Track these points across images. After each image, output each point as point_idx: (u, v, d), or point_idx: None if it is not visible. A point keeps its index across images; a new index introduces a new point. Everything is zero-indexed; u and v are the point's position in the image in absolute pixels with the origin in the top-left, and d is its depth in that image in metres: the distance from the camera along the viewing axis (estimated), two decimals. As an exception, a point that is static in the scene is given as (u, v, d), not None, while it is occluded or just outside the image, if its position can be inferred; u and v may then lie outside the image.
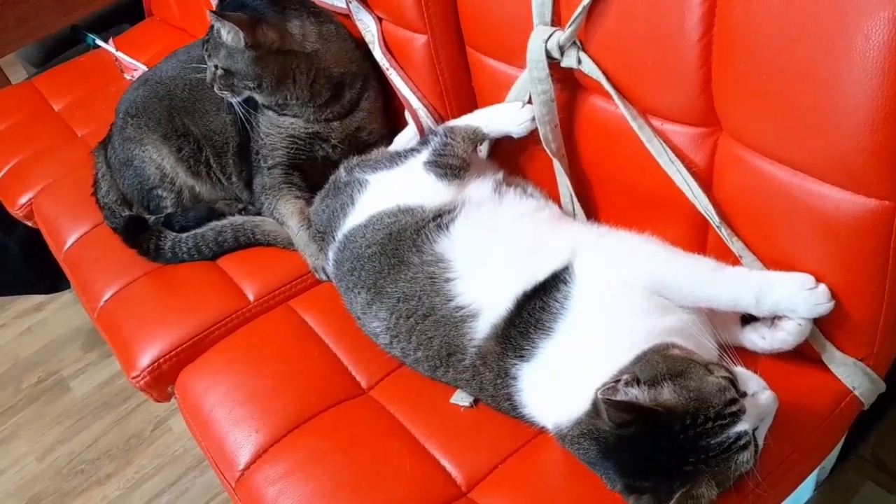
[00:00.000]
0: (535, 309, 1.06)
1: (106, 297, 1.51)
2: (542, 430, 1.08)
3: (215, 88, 1.43)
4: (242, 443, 1.18)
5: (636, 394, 0.90)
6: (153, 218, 1.57)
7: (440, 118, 1.46)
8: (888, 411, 1.47)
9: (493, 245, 1.16)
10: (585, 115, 1.21)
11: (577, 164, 1.27)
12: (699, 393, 0.90)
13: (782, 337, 1.01)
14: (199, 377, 1.30)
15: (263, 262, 1.48)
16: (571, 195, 1.27)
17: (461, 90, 1.44)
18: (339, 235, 1.30)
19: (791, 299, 0.98)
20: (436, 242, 1.17)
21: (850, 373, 1.02)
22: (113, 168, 1.66)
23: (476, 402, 1.14)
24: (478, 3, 1.28)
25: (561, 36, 1.13)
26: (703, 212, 1.07)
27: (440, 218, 1.20)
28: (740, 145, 1.01)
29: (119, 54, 2.28)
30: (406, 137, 1.48)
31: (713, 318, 1.05)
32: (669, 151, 1.08)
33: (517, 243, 1.16)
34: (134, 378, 1.36)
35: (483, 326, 1.09)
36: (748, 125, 0.99)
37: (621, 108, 1.10)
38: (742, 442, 0.89)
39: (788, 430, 0.99)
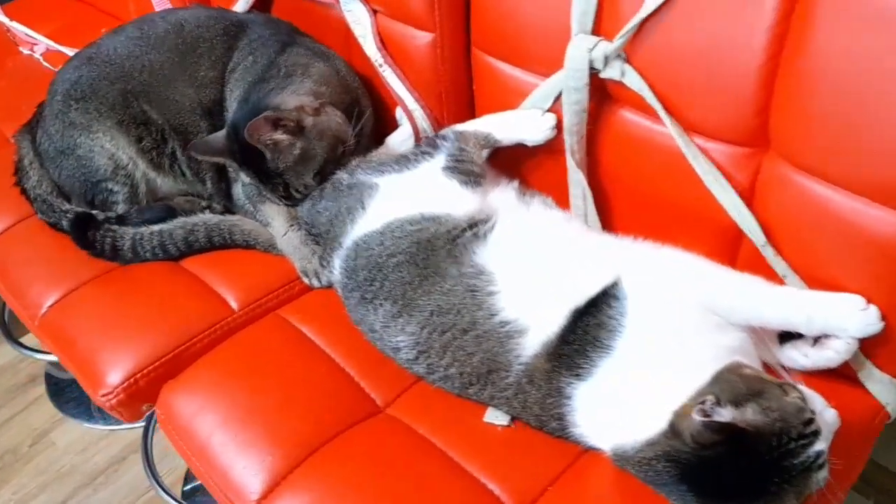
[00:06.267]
0: (589, 326, 1.03)
1: (48, 303, 1.33)
2: (586, 450, 1.06)
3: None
4: (254, 470, 1.07)
5: (726, 414, 0.90)
6: (102, 216, 1.40)
7: (435, 120, 1.40)
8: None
9: (534, 257, 1.12)
10: (613, 127, 1.20)
11: (594, 175, 1.25)
12: (781, 413, 0.91)
13: (829, 356, 1.04)
14: (189, 395, 1.17)
15: (240, 266, 1.36)
16: (587, 206, 1.25)
17: (460, 93, 1.39)
18: (348, 241, 1.22)
19: (844, 320, 1.01)
20: (475, 253, 1.12)
21: (884, 389, 1.07)
22: (45, 156, 1.46)
23: (513, 420, 1.10)
24: (500, 5, 1.23)
25: (608, 47, 1.11)
26: (747, 231, 1.09)
27: (476, 227, 1.14)
28: (792, 167, 1.03)
29: (14, 25, 2.02)
30: (400, 138, 1.41)
31: (752, 335, 1.07)
32: (716, 170, 1.09)
33: (559, 256, 1.12)
34: (104, 396, 1.20)
35: (532, 343, 1.05)
36: (808, 149, 1.01)
37: (667, 125, 1.10)
38: (820, 461, 0.91)
39: (835, 444, 1.02)
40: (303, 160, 1.27)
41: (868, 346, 1.06)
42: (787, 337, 1.10)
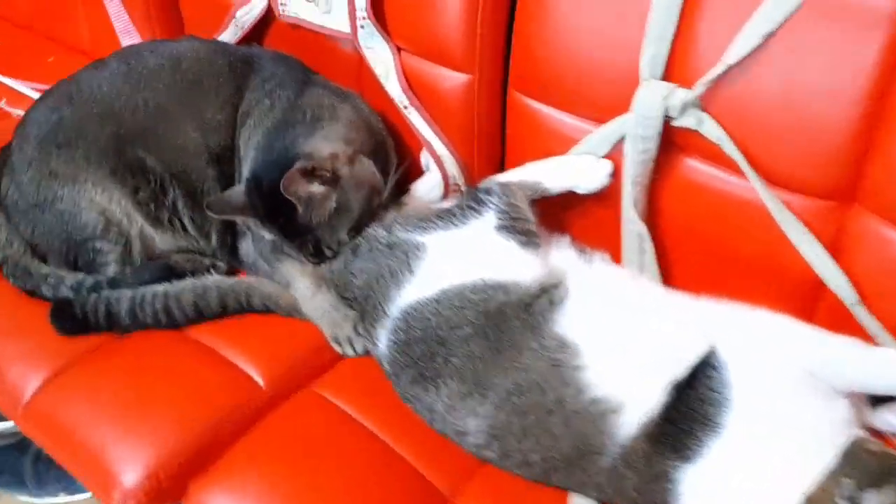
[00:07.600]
0: (692, 400, 0.95)
1: (32, 388, 1.14)
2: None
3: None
4: (320, 581, 0.94)
5: (871, 500, 0.83)
6: (90, 280, 1.21)
7: (466, 166, 1.30)
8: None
9: (618, 324, 1.03)
10: (678, 177, 1.13)
11: (652, 227, 1.17)
12: (919, 493, 0.85)
13: (930, 419, 1.00)
14: (229, 496, 1.01)
15: (256, 333, 1.20)
16: (645, 260, 1.17)
17: (493, 137, 1.29)
18: (394, 310, 1.09)
19: (950, 383, 0.97)
20: (554, 323, 1.01)
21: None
22: (13, 210, 1.27)
23: (602, 506, 1.01)
24: (549, 46, 1.14)
25: (687, 94, 1.03)
26: (834, 289, 1.03)
27: (548, 293, 1.04)
28: (888, 224, 0.99)
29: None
30: (427, 186, 1.29)
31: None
32: (801, 224, 1.03)
33: (644, 322, 1.03)
34: (118, 501, 1.03)
35: (629, 422, 0.95)
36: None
37: (749, 177, 1.03)
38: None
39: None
40: (338, 214, 1.14)
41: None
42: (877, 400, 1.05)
